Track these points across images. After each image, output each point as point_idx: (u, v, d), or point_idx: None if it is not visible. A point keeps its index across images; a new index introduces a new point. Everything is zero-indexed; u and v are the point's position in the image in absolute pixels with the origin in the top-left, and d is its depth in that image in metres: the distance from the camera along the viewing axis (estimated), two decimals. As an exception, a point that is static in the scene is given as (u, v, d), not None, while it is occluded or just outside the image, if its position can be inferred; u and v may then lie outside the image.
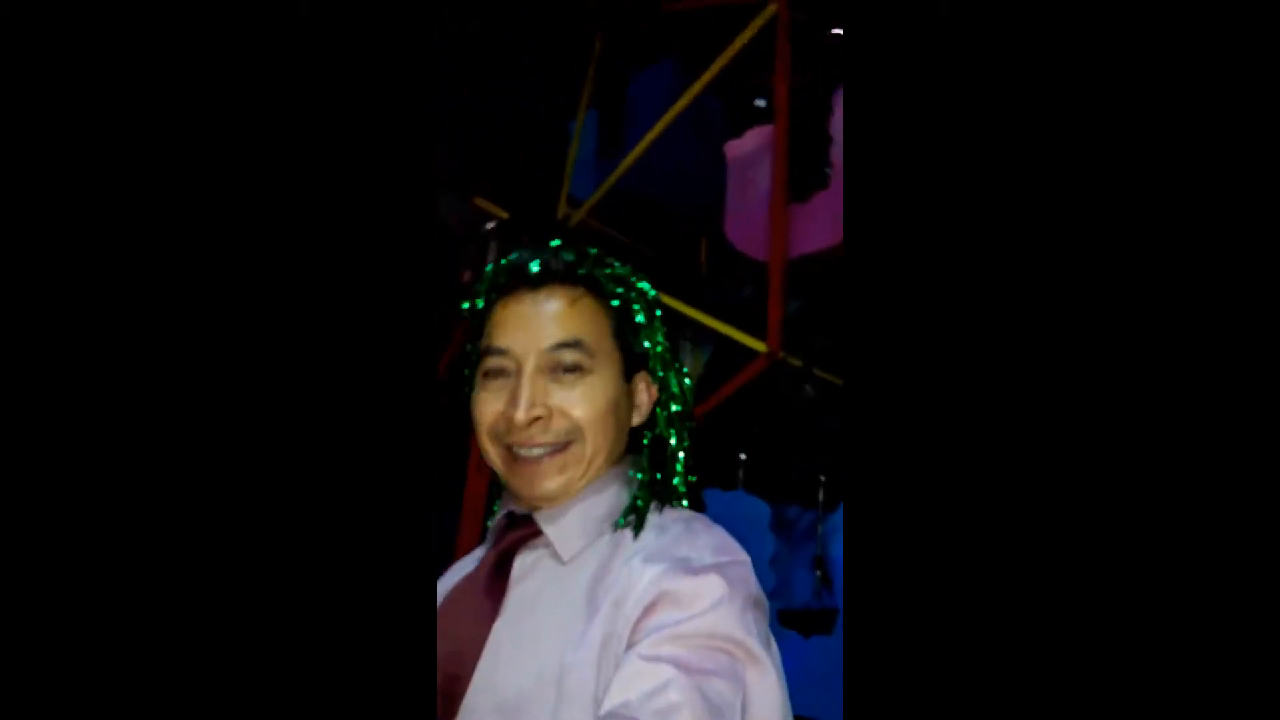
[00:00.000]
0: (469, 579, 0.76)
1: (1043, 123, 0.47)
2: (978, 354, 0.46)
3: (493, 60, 2.57)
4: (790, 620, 2.29)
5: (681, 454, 0.79)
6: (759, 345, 1.80)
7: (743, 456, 2.11)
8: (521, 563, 0.75)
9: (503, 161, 2.74)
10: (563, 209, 2.34)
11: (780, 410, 2.01)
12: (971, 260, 0.47)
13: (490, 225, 2.98)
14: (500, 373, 0.73)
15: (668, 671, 0.60)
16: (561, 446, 0.72)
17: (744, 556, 0.69)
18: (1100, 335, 0.45)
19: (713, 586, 0.64)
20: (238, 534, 0.46)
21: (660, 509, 0.77)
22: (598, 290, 0.76)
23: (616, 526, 0.74)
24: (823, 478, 2.20)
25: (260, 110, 0.50)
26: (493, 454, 0.75)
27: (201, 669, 0.45)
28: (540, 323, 0.73)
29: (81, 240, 0.47)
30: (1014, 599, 0.44)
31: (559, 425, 0.72)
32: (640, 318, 0.78)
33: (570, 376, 0.72)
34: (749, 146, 1.94)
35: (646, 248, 2.47)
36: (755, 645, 0.63)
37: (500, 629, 0.71)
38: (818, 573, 2.31)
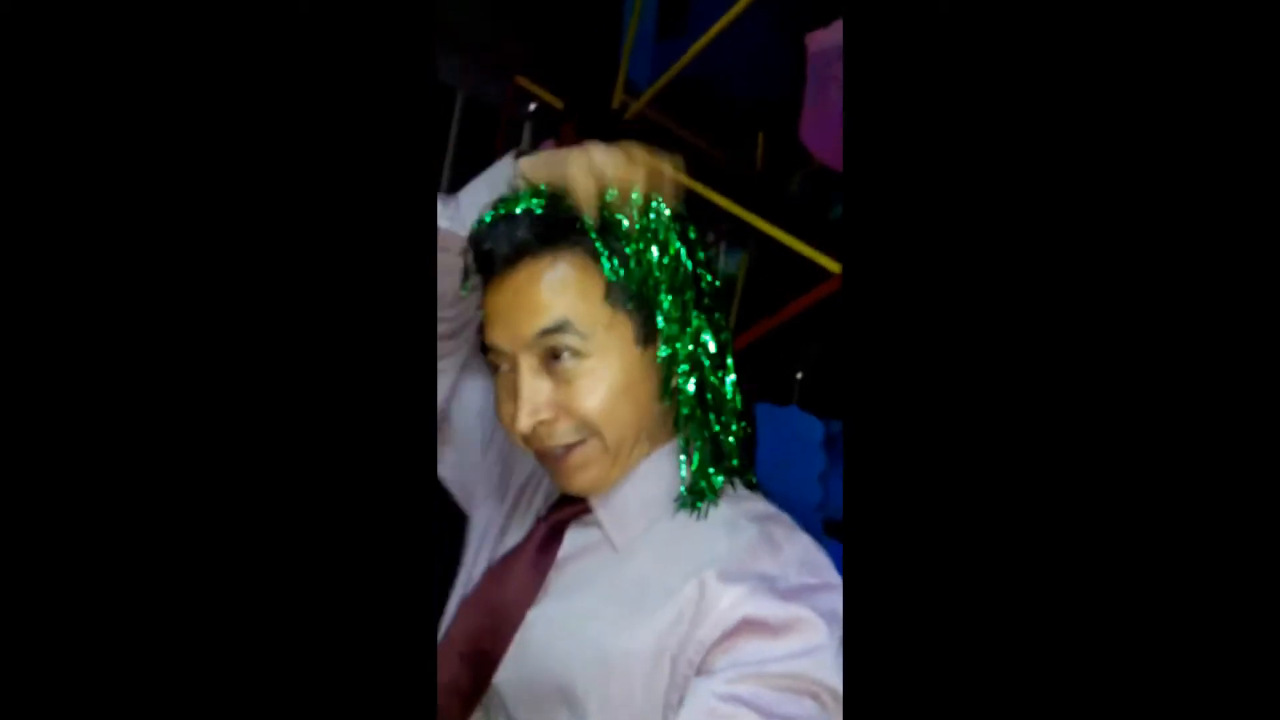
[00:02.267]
0: (516, 550, 0.71)
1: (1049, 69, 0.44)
2: (984, 284, 0.44)
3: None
4: (835, 530, 2.29)
5: (727, 417, 0.68)
6: (833, 265, 1.67)
7: (799, 376, 2.03)
8: (572, 539, 0.70)
9: (550, 38, 2.53)
10: (619, 96, 2.15)
11: (845, 332, 1.91)
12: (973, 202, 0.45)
13: (531, 107, 2.81)
14: (504, 368, 0.65)
15: (746, 718, 0.54)
16: (578, 441, 0.64)
17: (835, 578, 0.61)
18: (1101, 262, 0.43)
19: (805, 623, 0.57)
20: (222, 491, 0.44)
21: (734, 485, 0.69)
22: (584, 247, 0.63)
23: (677, 509, 0.67)
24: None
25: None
26: (525, 447, 0.67)
27: (194, 662, 0.43)
28: (520, 310, 0.62)
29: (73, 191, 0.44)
30: (1022, 527, 0.42)
31: (565, 425, 0.63)
32: (657, 255, 0.63)
33: (567, 365, 0.62)
34: (835, 39, 1.73)
35: (699, 142, 2.30)
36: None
37: (542, 608, 0.67)
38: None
